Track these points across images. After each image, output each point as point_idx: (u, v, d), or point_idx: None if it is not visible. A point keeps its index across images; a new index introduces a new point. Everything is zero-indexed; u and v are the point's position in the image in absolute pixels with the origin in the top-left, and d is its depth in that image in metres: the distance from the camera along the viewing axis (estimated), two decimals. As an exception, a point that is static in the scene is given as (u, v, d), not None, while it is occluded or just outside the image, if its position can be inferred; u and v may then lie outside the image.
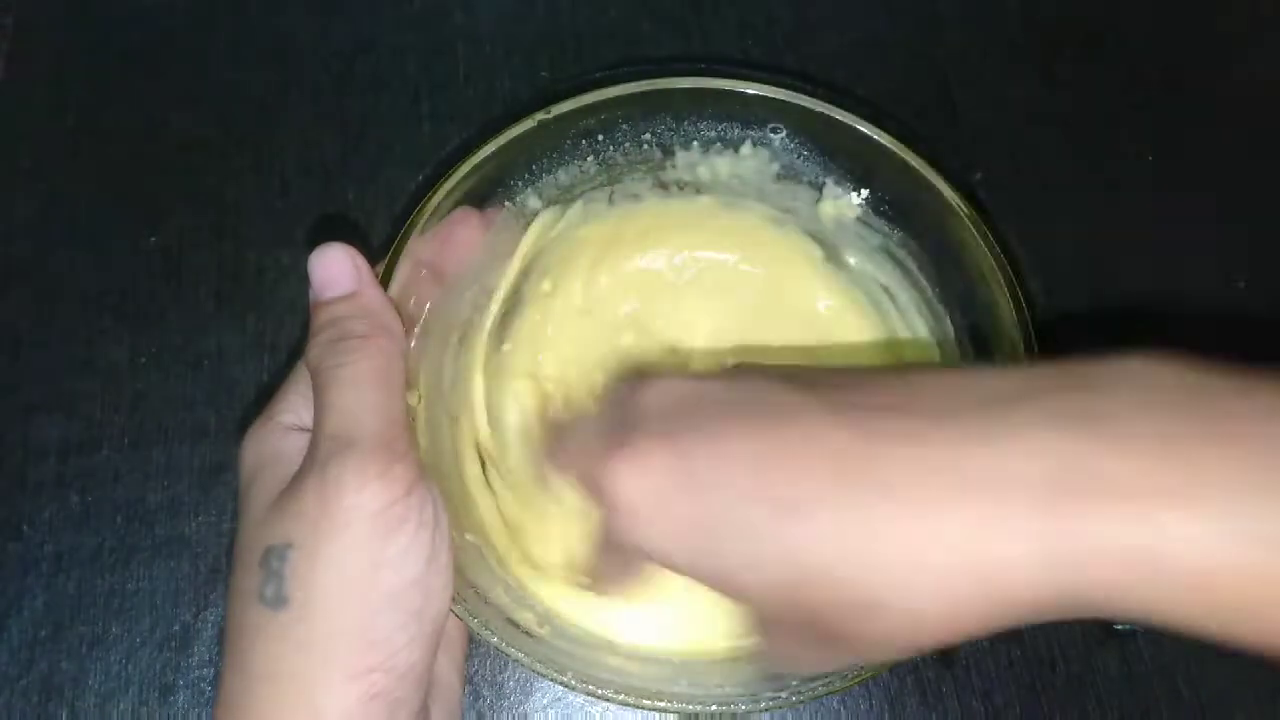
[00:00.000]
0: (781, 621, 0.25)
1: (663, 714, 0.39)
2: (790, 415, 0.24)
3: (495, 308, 0.40)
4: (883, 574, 0.22)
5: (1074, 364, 0.23)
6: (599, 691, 0.31)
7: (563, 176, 0.39)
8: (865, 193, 0.39)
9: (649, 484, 0.25)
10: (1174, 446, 0.20)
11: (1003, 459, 0.21)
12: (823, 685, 0.31)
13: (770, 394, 0.25)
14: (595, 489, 0.26)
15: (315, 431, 0.29)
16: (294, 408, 0.31)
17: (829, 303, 0.41)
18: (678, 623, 0.37)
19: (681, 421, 0.26)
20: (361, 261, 0.32)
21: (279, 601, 0.27)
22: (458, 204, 0.36)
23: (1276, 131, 0.50)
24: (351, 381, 0.29)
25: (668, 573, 0.27)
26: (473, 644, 0.40)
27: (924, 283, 0.38)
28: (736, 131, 0.39)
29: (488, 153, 0.36)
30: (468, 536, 0.34)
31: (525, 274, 0.41)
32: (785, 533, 0.23)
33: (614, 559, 0.30)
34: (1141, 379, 0.22)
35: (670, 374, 0.28)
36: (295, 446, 0.30)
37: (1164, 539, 0.20)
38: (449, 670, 0.34)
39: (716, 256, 0.43)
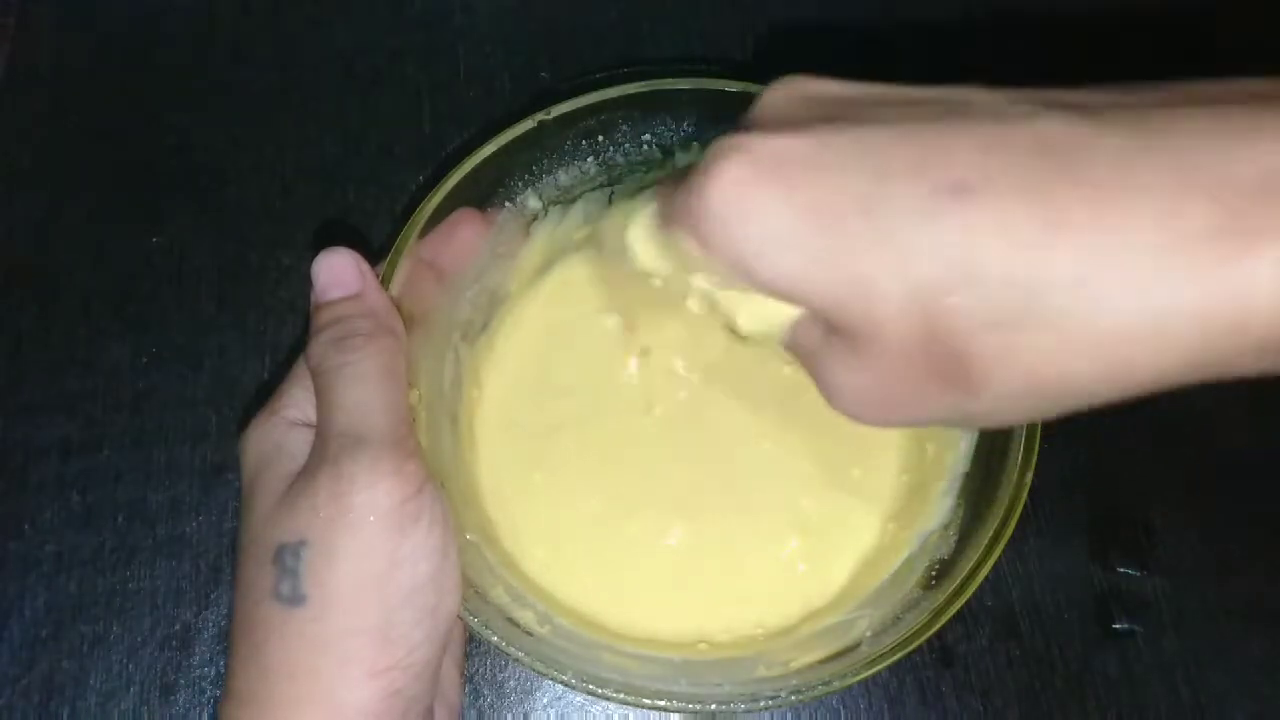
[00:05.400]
0: (895, 348, 0.21)
1: (663, 714, 0.39)
2: (965, 102, 0.20)
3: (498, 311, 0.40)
4: (1061, 282, 0.19)
5: None
6: (599, 691, 0.31)
7: (563, 177, 0.39)
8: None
9: (753, 170, 0.21)
10: None
11: (1230, 164, 0.18)
12: (822, 685, 0.31)
13: (936, 93, 0.21)
14: (685, 207, 0.22)
15: (322, 428, 0.29)
16: (298, 402, 0.31)
17: None
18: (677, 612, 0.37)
19: (811, 117, 0.21)
20: (365, 265, 0.32)
21: (295, 599, 0.27)
22: (458, 204, 0.36)
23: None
24: (358, 379, 0.29)
25: None
26: (473, 643, 0.40)
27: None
28: (736, 132, 0.39)
29: (488, 153, 0.36)
30: (468, 536, 0.34)
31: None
32: (949, 216, 0.19)
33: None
34: None
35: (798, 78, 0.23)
36: (299, 442, 0.30)
37: None
38: (450, 668, 0.34)
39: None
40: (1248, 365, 0.19)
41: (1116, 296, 0.18)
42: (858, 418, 0.24)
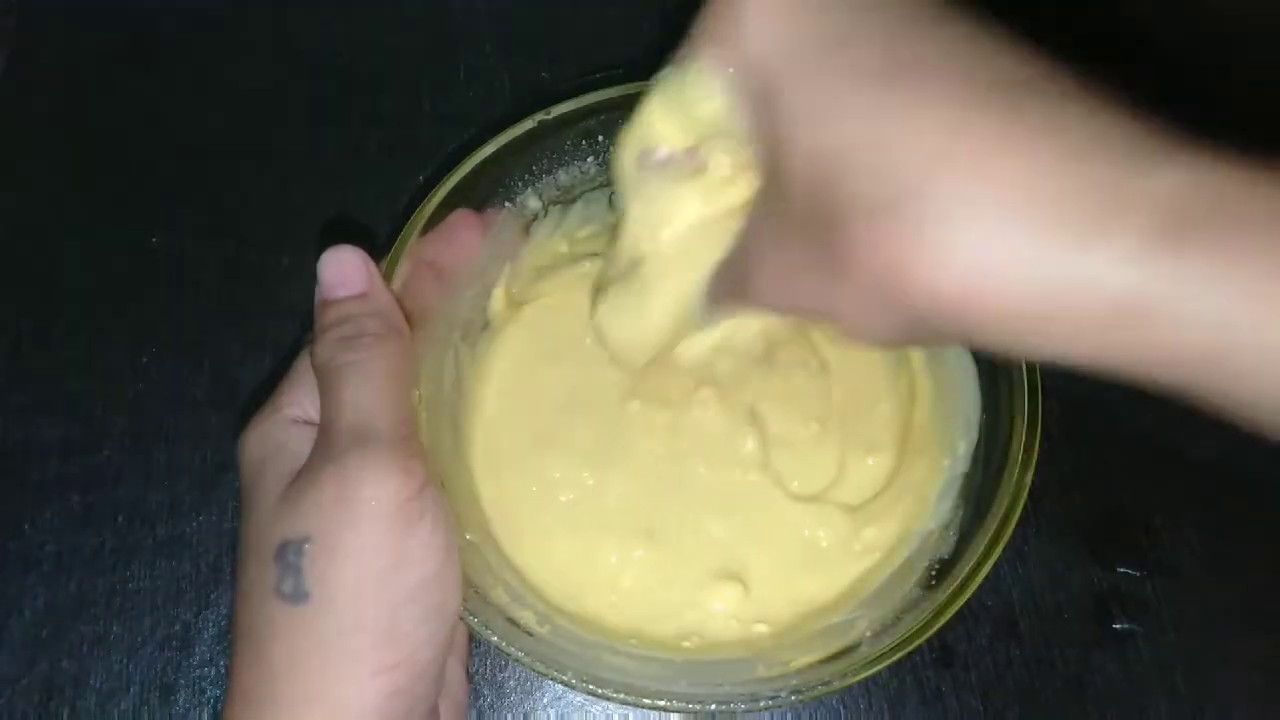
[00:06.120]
0: (791, 210, 0.23)
1: (663, 714, 0.39)
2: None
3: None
4: (947, 175, 0.20)
5: None
6: (599, 690, 0.31)
7: (562, 177, 0.39)
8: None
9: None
10: None
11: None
12: (822, 685, 0.31)
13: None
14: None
15: (327, 426, 0.29)
16: (299, 400, 0.31)
17: None
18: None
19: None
20: (372, 265, 0.32)
21: (299, 596, 0.27)
22: (458, 204, 0.36)
23: (1277, 131, 0.50)
24: (365, 379, 0.29)
25: None
26: (472, 643, 0.40)
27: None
28: (736, 132, 0.39)
29: (488, 153, 0.36)
30: (468, 536, 0.34)
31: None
32: (886, 89, 0.21)
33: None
34: None
35: None
36: (300, 440, 0.30)
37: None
38: (455, 668, 0.34)
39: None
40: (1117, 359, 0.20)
41: (975, 235, 0.19)
42: (756, 292, 0.26)
